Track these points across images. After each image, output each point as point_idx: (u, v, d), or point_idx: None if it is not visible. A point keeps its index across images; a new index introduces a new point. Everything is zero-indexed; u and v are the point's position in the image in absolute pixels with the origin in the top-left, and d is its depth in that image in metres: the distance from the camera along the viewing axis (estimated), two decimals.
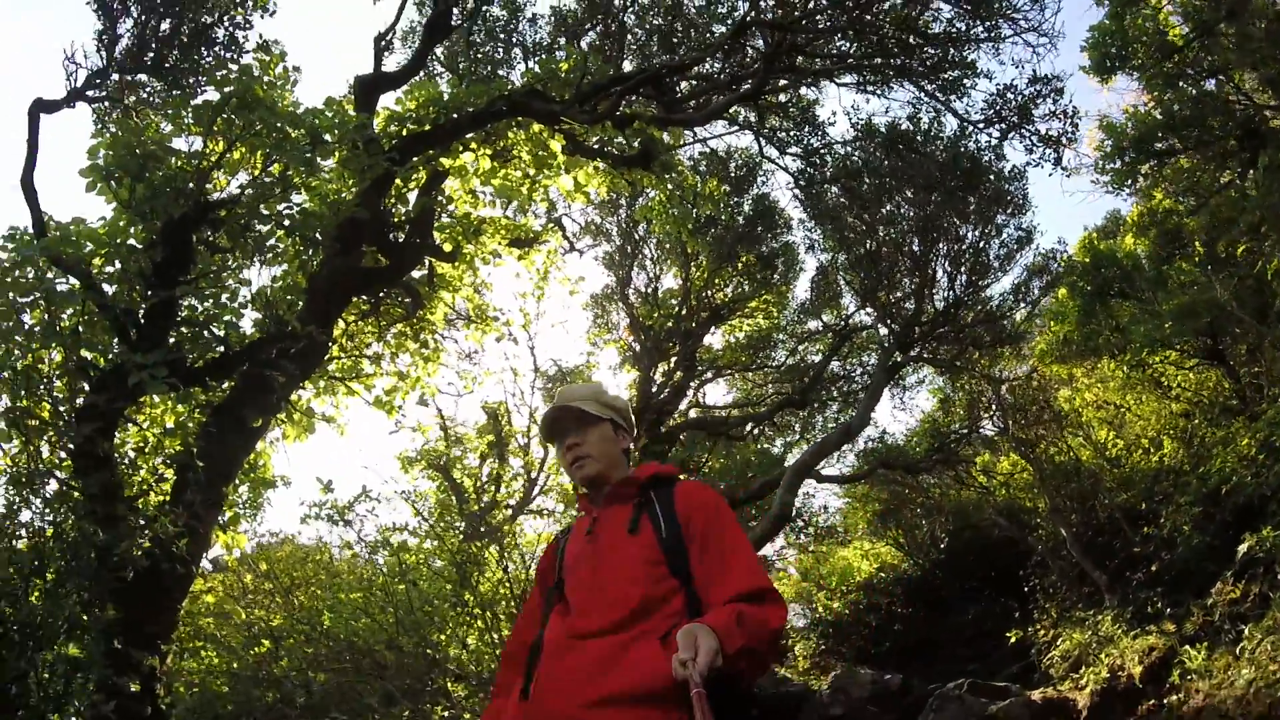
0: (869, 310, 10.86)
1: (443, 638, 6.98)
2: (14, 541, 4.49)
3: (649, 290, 11.78)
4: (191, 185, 4.80)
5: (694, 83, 7.14)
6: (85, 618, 4.31)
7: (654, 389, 10.81)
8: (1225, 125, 5.17)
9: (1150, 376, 8.25)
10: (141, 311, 4.69)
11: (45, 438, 4.68)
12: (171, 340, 4.74)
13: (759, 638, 1.92)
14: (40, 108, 4.91)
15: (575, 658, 1.95)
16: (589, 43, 7.61)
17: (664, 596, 2.01)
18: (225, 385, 5.48)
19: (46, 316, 4.67)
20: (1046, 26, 6.61)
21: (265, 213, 5.29)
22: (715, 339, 12.61)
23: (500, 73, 7.19)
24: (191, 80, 5.42)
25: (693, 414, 12.58)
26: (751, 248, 10.44)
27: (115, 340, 4.74)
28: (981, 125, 7.49)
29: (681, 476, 2.44)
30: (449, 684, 6.38)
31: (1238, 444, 6.30)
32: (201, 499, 4.75)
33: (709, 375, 12.67)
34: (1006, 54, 7.49)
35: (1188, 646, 6.58)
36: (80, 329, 4.71)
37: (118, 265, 4.78)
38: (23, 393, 4.57)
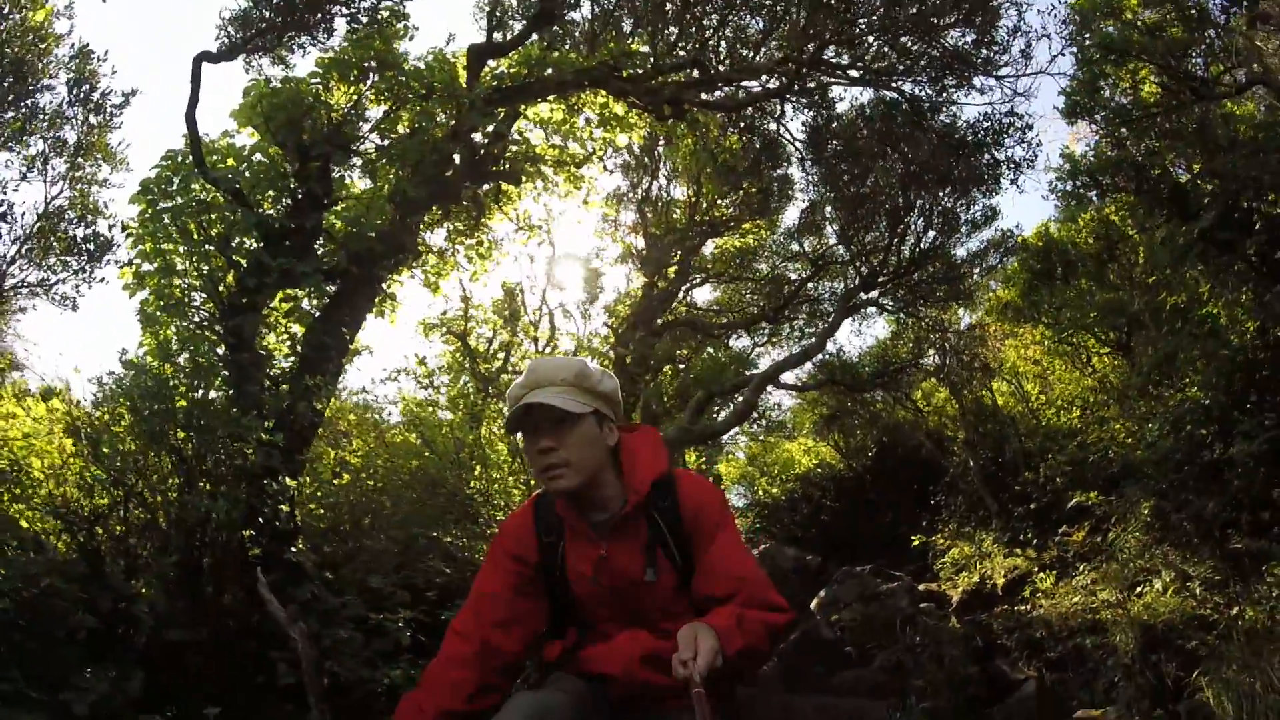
0: (845, 247, 12.18)
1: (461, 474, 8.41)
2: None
3: (658, 199, 12.83)
4: (333, 127, 5.84)
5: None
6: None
7: (655, 291, 12.16)
8: (1161, 181, 6.41)
9: (1072, 351, 9.91)
10: (292, 226, 5.84)
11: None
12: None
13: (759, 637, 1.92)
14: (204, 58, 5.74)
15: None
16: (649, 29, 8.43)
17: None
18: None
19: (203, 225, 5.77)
20: (1021, 87, 8.18)
21: (380, 142, 6.38)
22: (708, 247, 13.82)
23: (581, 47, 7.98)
24: (324, 36, 6.20)
25: (681, 311, 14.04)
26: (756, 180, 11.53)
27: (261, 245, 5.90)
28: (958, 137, 8.79)
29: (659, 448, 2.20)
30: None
31: (1113, 426, 8.05)
32: (330, 366, 6.12)
33: (699, 280, 14.01)
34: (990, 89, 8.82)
35: (1040, 572, 8.60)
36: (229, 235, 5.83)
37: (266, 189, 5.87)
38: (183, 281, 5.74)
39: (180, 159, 5.66)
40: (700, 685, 1.72)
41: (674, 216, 12.28)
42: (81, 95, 7.46)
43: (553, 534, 2.13)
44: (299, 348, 6.47)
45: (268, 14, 5.76)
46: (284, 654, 4.65)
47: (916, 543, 12.14)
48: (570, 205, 9.35)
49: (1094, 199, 7.30)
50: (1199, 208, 5.35)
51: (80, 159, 7.53)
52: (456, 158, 7.20)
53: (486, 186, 7.66)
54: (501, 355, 12.30)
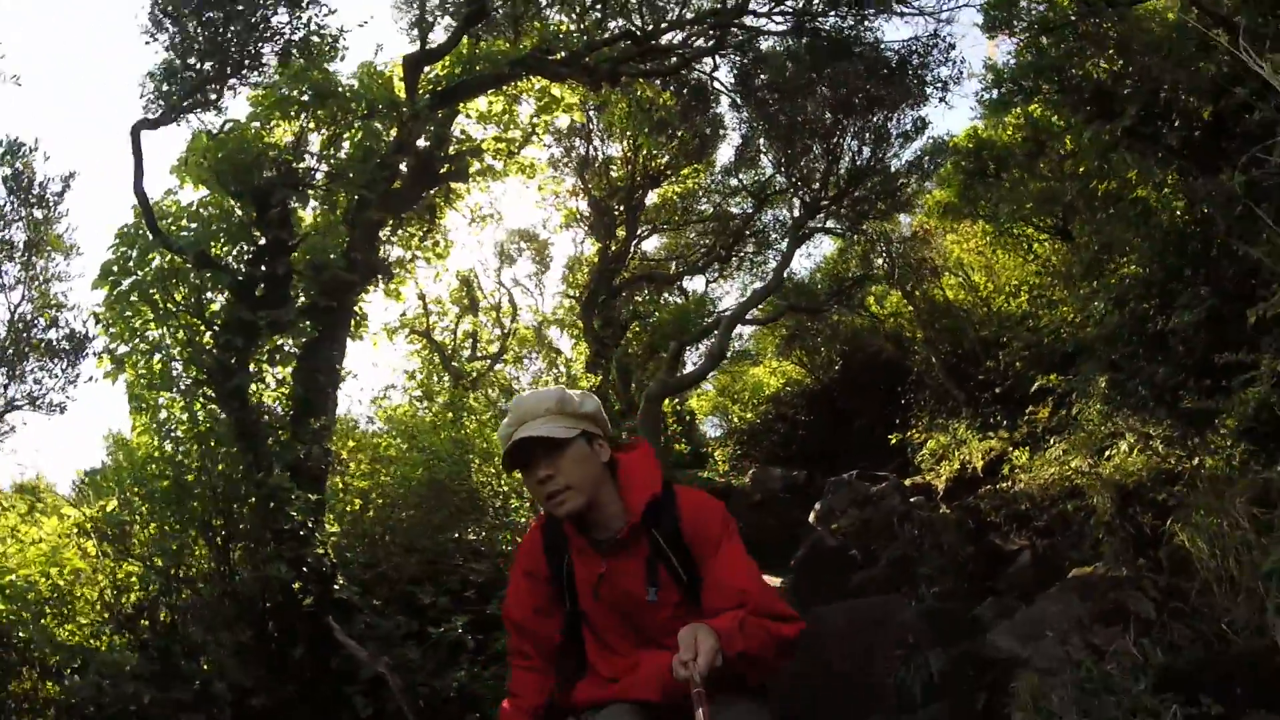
0: (784, 176, 12.45)
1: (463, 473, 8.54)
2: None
3: (594, 160, 12.84)
4: (285, 168, 5.83)
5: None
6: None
7: (609, 253, 12.33)
8: (1083, 82, 6.78)
9: (1013, 242, 10.47)
10: (262, 274, 5.86)
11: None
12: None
13: (761, 643, 1.96)
14: (142, 126, 5.58)
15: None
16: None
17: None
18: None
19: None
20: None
21: (326, 169, 6.38)
22: (650, 198, 13.97)
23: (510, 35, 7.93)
24: (256, 75, 6.01)
25: (634, 265, 14.25)
26: (690, 128, 11.64)
27: (235, 301, 5.88)
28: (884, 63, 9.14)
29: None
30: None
31: (1062, 310, 8.65)
32: (329, 403, 6.25)
33: (646, 232, 14.19)
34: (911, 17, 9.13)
35: (1015, 449, 9.32)
36: (199, 297, 5.82)
37: (226, 242, 5.85)
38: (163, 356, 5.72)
39: (135, 232, 5.61)
40: (700, 686, 1.74)
41: (613, 175, 12.38)
42: (21, 193, 7.04)
43: (558, 550, 2.20)
44: (289, 392, 6.52)
45: (193, 61, 5.58)
46: (356, 688, 4.96)
47: (895, 440, 12.85)
48: (512, 182, 9.37)
49: (1019, 102, 7.68)
50: (1121, 106, 5.77)
51: (33, 258, 7.12)
52: (404, 168, 7.23)
53: (435, 189, 7.71)
54: (469, 344, 12.42)
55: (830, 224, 12.18)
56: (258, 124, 5.79)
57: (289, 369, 6.53)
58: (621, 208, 12.44)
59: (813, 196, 11.29)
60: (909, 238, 12.59)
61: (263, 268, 6.11)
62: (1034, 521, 7.86)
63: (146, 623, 5.09)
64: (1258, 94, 4.27)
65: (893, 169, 11.41)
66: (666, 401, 15.57)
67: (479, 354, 12.27)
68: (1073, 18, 6.13)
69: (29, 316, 6.70)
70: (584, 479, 2.07)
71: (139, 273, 5.58)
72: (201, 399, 5.95)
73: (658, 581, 2.08)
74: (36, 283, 6.83)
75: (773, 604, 2.05)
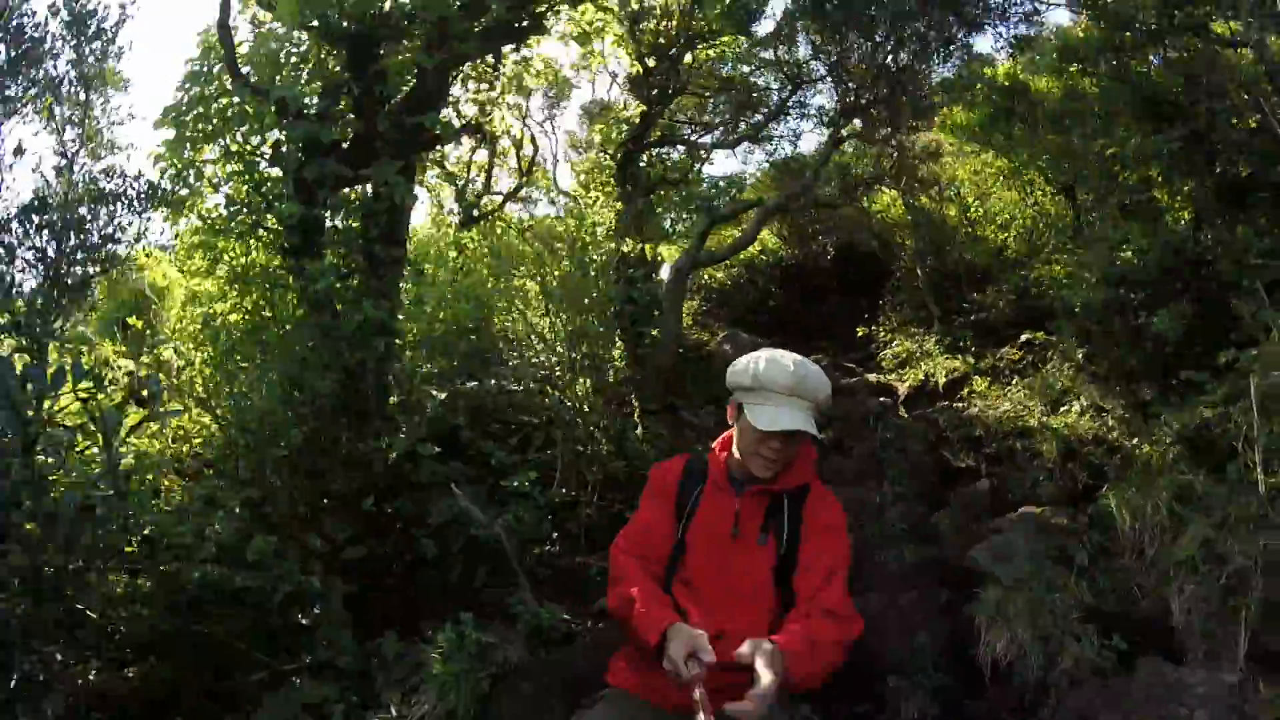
0: (819, 62, 12.44)
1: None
2: None
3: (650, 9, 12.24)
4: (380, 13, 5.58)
5: None
6: None
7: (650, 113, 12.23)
8: (1141, 79, 7.03)
9: (1019, 183, 11.03)
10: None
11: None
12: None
13: (828, 660, 2.12)
14: None
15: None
16: None
17: (780, 602, 2.36)
18: None
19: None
20: None
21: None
22: (686, 57, 13.55)
23: None
24: None
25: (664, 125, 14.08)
26: None
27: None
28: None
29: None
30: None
31: (1053, 268, 9.51)
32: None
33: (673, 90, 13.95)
34: None
35: (978, 376, 10.48)
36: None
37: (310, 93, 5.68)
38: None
39: (205, 70, 5.39)
40: (703, 691, 1.90)
41: (661, 29, 11.99)
42: (75, 24, 5.93)
43: (695, 482, 2.50)
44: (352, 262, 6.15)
45: None
46: (423, 530, 5.15)
47: (861, 333, 13.86)
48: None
49: (1068, 69, 7.91)
50: (1169, 116, 6.21)
51: (90, 95, 6.11)
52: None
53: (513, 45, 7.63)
54: (481, 176, 12.44)
55: (858, 123, 12.33)
56: None
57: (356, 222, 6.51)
58: (665, 65, 12.16)
59: (853, 94, 11.42)
60: (922, 151, 12.92)
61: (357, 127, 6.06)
62: (984, 448, 8.67)
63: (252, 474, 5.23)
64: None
65: (932, 82, 11.55)
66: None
67: (492, 188, 12.37)
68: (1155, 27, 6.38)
69: (88, 166, 5.94)
70: (792, 459, 2.40)
71: (204, 111, 5.47)
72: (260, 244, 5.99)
73: (769, 531, 2.39)
74: (91, 124, 6.00)
75: (843, 601, 2.30)
